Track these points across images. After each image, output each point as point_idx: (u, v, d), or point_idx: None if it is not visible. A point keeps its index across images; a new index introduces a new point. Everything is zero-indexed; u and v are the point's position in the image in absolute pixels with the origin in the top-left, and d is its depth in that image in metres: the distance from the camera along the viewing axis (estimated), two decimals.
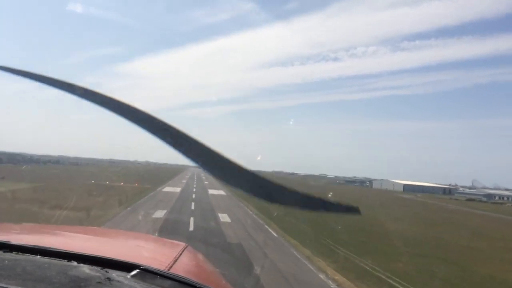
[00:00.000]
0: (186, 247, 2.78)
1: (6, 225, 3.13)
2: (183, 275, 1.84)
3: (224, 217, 29.66)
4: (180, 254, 2.45)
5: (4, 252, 1.74)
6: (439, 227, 37.90)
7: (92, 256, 1.78)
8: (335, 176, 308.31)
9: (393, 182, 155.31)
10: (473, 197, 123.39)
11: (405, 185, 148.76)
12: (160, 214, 28.65)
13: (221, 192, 58.06)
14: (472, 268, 20.35)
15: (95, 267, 1.63)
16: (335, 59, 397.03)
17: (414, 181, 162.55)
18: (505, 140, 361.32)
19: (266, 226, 27.46)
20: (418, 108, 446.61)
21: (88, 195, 39.00)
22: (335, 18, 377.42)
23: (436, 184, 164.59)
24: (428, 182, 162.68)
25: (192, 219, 26.90)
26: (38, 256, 1.71)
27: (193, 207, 35.08)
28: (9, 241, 1.85)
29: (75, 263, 1.65)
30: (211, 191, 57.96)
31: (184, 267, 2.22)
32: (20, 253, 1.74)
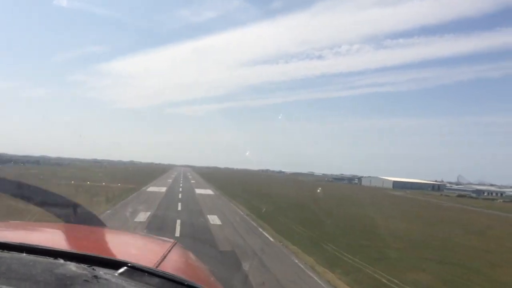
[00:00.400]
0: (175, 244, 2.64)
1: None
2: (171, 272, 1.79)
3: (213, 219, 27.11)
4: (169, 251, 2.35)
5: None
6: (439, 226, 35.96)
7: (79, 254, 1.70)
8: (323, 174, 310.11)
9: (383, 179, 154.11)
10: (462, 193, 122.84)
11: (394, 182, 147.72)
12: (143, 217, 26.00)
13: (209, 192, 55.46)
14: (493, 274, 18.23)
15: (82, 265, 1.57)
16: (320, 57, 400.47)
17: (402, 177, 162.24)
18: (488, 136, 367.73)
19: (261, 229, 24.99)
20: (402, 105, 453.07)
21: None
22: (319, 16, 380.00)
23: (424, 180, 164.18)
24: (416, 179, 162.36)
25: (178, 221, 24.29)
26: (24, 254, 1.63)
27: (179, 208, 32.44)
28: None
29: (61, 261, 1.59)
30: (198, 191, 55.26)
31: (172, 264, 2.16)
32: (5, 251, 1.66)
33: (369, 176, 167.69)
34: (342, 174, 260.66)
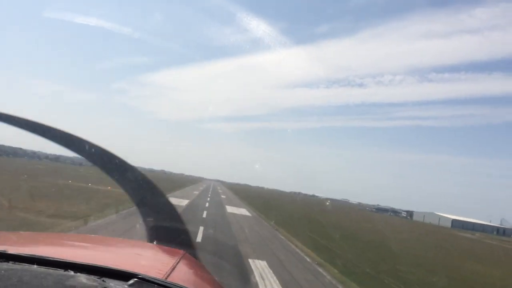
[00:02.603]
0: (184, 254, 2.67)
1: (2, 234, 2.86)
2: (181, 283, 1.79)
3: (263, 273, 13.26)
4: (178, 262, 2.32)
5: (0, 261, 1.68)
6: None
7: (89, 265, 1.70)
8: (359, 203, 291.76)
9: (439, 215, 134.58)
10: None
11: (453, 220, 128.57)
12: None
13: (243, 212, 41.50)
14: None
15: (92, 277, 1.58)
16: (361, 85, 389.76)
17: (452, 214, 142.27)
18: None
19: None
20: (444, 141, 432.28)
21: (46, 197, 24.38)
22: (364, 44, 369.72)
23: (484, 221, 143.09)
24: (475, 219, 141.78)
25: None
26: (35, 266, 1.64)
27: (200, 237, 18.78)
28: (5, 250, 1.77)
29: (72, 273, 1.60)
30: (230, 209, 41.52)
31: (182, 275, 2.13)
32: (16, 263, 1.66)
33: (423, 212, 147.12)
34: (378, 205, 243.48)
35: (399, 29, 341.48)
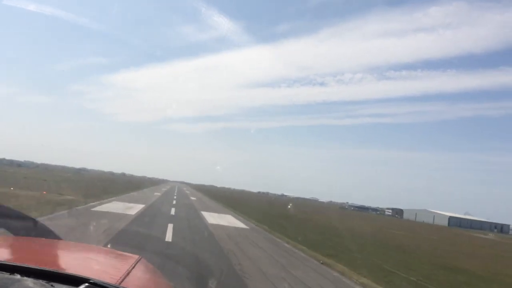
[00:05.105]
0: (140, 259, 2.47)
1: None
2: None
3: None
4: (133, 267, 2.19)
5: None
6: None
7: (37, 269, 1.58)
8: (330, 201, 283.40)
9: (433, 213, 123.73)
10: None
11: (451, 218, 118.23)
12: None
13: (233, 221, 26.38)
14: None
15: (40, 281, 1.48)
16: (322, 84, 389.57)
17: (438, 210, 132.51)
18: (486, 173, 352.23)
19: None
20: (402, 137, 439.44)
21: None
22: (324, 43, 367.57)
23: (481, 218, 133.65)
24: (470, 216, 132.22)
25: None
26: None
27: None
28: None
29: (18, 276, 1.49)
30: (209, 217, 26.42)
31: (136, 281, 2.04)
32: None
33: (415, 209, 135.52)
34: (347, 202, 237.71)
35: (357, 28, 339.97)
